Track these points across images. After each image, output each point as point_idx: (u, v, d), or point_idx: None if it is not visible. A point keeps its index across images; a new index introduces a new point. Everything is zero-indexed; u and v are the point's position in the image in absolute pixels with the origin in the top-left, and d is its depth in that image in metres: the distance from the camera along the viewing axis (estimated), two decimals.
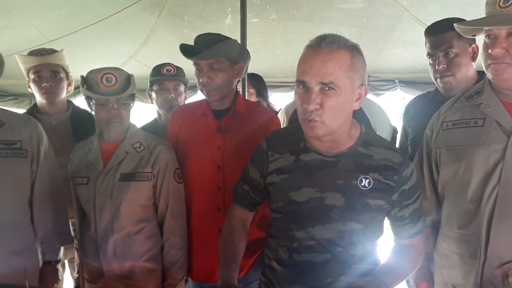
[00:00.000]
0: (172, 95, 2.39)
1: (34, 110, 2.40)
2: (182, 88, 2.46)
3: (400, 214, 1.38)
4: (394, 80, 4.43)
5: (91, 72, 1.84)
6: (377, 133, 2.11)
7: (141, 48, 3.68)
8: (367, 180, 1.30)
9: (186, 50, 1.86)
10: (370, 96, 4.66)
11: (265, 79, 3.51)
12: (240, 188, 1.54)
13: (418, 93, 3.63)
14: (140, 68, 3.87)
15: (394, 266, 1.39)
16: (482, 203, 1.42)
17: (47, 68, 2.35)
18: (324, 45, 1.21)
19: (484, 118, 1.45)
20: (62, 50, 2.40)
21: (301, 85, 1.25)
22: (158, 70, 2.42)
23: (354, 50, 1.24)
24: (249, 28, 2.79)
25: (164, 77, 2.40)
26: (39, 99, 2.39)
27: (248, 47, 2.20)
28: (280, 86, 4.75)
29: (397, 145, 2.27)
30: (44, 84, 2.33)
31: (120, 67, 1.93)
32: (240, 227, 1.54)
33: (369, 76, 4.47)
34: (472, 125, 1.47)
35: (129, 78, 1.88)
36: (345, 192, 1.31)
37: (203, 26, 3.30)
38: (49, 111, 2.39)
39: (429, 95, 2.10)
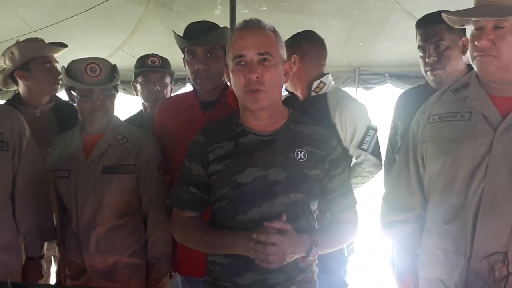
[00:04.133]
0: (158, 87, 2.35)
1: (15, 102, 2.33)
2: (168, 79, 2.41)
3: (329, 185, 1.48)
4: (384, 74, 4.40)
5: (74, 62, 1.80)
6: (338, 128, 2.02)
7: (129, 39, 3.62)
8: (302, 153, 1.42)
9: (183, 35, 1.84)
10: (360, 90, 4.65)
11: None
12: (185, 193, 1.49)
13: (408, 87, 3.61)
14: (127, 59, 3.80)
15: (328, 232, 1.48)
16: (468, 197, 1.40)
17: (54, 60, 2.32)
18: (253, 24, 1.39)
19: (471, 111, 1.43)
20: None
21: (240, 61, 1.36)
22: (142, 62, 2.37)
23: (275, 30, 1.41)
24: (239, 19, 2.71)
25: (149, 68, 2.35)
26: (39, 89, 2.31)
27: None
28: None
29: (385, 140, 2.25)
30: (56, 75, 2.29)
31: (106, 58, 1.89)
32: (201, 221, 1.52)
33: (359, 69, 4.44)
34: (458, 118, 1.45)
35: (113, 68, 1.85)
36: (285, 165, 1.40)
37: (192, 17, 3.23)
38: (34, 103, 2.33)
39: (419, 88, 2.08)
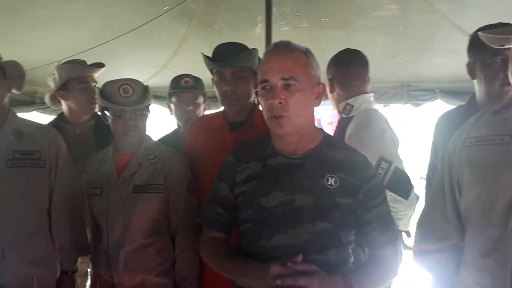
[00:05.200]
0: (190, 107, 2.38)
1: (59, 120, 2.44)
2: (200, 99, 2.45)
3: (366, 217, 1.38)
4: (434, 90, 4.19)
5: (107, 83, 1.85)
6: None
7: (173, 57, 3.69)
8: (333, 179, 1.34)
9: (211, 57, 1.86)
10: (409, 106, 4.47)
11: None
12: (213, 212, 1.50)
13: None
14: (172, 76, 3.90)
15: (364, 271, 1.38)
16: (507, 229, 1.27)
17: (91, 80, 2.42)
18: (281, 47, 1.34)
19: (511, 135, 1.31)
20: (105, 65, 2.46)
21: (265, 85, 1.33)
22: (176, 82, 2.42)
23: (307, 52, 1.36)
24: (279, 36, 2.69)
25: (182, 89, 2.39)
26: (77, 108, 2.40)
27: None
28: None
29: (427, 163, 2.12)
30: (92, 94, 2.37)
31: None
32: (224, 243, 1.49)
33: (407, 85, 4.27)
34: (497, 142, 1.34)
35: (145, 89, 1.88)
36: (313, 191, 1.33)
37: (233, 35, 3.26)
38: (74, 121, 2.42)
39: (461, 109, 1.97)
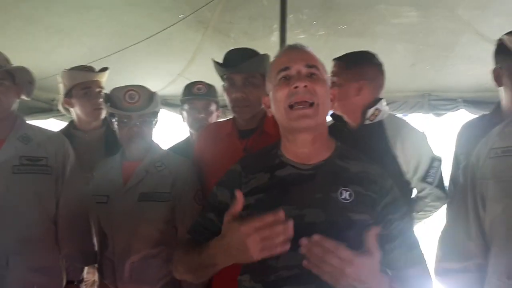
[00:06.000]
0: (203, 115, 2.34)
1: (70, 127, 2.42)
2: (213, 107, 2.41)
3: (386, 233, 1.20)
4: (456, 99, 4.07)
5: (115, 89, 1.83)
6: (400, 160, 1.83)
7: (189, 65, 3.68)
8: (348, 193, 1.21)
9: (221, 63, 1.81)
10: (430, 116, 4.35)
11: None
12: (202, 218, 1.35)
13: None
14: None
15: None
16: None
17: (95, 85, 2.35)
18: (298, 45, 1.27)
19: None
20: (108, 68, 2.40)
21: (285, 75, 1.21)
22: (189, 89, 2.40)
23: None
24: None
25: (194, 96, 2.36)
26: (83, 115, 2.35)
27: None
28: None
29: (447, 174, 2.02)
30: (95, 100, 2.31)
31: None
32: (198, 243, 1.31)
33: (429, 94, 4.15)
34: None
35: (152, 95, 1.85)
36: (325, 206, 1.20)
37: (249, 43, 3.18)
38: (83, 127, 2.38)
39: (484, 118, 1.86)
